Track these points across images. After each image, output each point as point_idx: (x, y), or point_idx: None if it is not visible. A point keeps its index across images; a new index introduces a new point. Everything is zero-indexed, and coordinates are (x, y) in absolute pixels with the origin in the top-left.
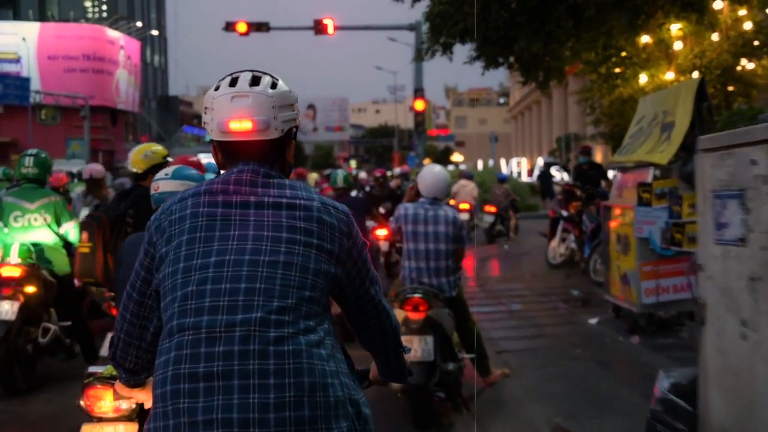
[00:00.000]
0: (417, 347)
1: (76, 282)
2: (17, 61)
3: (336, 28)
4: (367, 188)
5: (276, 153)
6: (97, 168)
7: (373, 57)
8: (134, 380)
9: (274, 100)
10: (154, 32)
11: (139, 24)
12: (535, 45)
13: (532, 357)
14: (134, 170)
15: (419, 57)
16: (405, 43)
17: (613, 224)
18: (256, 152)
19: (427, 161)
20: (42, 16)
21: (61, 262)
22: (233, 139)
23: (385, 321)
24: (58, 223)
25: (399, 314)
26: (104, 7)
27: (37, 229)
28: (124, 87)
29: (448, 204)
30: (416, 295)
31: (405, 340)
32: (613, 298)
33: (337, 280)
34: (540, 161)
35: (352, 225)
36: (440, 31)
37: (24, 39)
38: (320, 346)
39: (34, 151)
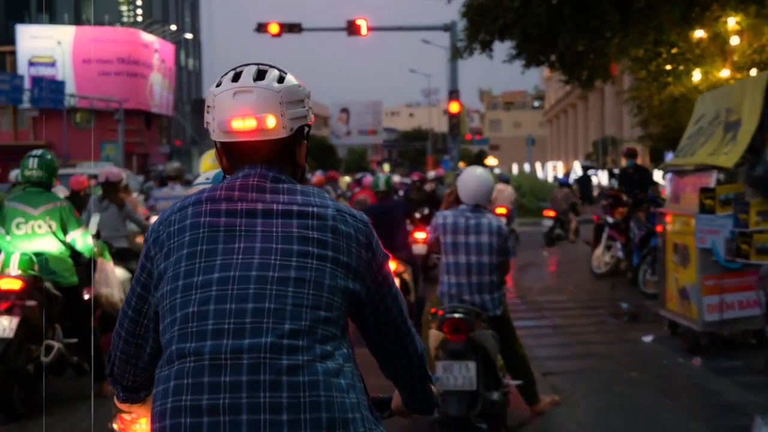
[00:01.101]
0: (457, 374)
1: (85, 294)
2: (53, 64)
3: (369, 28)
4: (401, 192)
5: (285, 154)
6: (113, 171)
7: (407, 60)
8: (132, 398)
9: (281, 95)
10: (189, 35)
11: (173, 27)
12: (580, 41)
13: (582, 380)
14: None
15: (456, 56)
16: (439, 46)
17: (669, 233)
18: (263, 154)
19: (461, 165)
20: (77, 20)
21: (68, 273)
22: (237, 139)
23: (409, 346)
24: (65, 231)
25: (437, 336)
26: (139, 11)
27: (41, 236)
28: (158, 90)
29: (491, 211)
30: (456, 315)
31: (443, 365)
32: (669, 314)
33: (355, 297)
34: (576, 165)
35: (372, 235)
36: (478, 28)
37: (59, 43)
38: (339, 374)
39: (38, 151)
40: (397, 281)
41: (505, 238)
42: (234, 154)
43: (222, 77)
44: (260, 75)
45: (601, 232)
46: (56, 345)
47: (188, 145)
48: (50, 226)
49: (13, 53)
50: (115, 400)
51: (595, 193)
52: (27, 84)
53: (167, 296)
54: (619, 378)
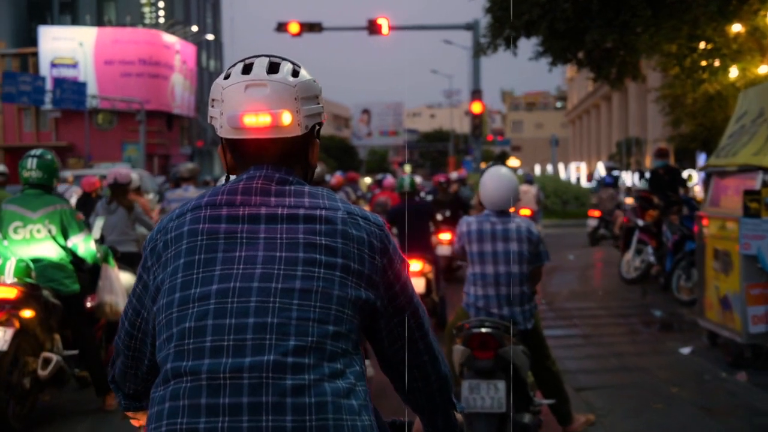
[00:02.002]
0: (485, 394)
1: (88, 303)
2: (74, 66)
3: (390, 27)
4: (423, 194)
5: (297, 154)
6: (122, 172)
7: (429, 61)
8: (135, 406)
9: (296, 90)
10: (210, 36)
11: (194, 28)
12: (609, 37)
13: (618, 397)
14: None
15: (479, 52)
16: (461, 46)
17: (709, 237)
18: (274, 153)
19: (483, 166)
20: (99, 22)
21: (68, 280)
22: (247, 136)
23: (427, 366)
24: (66, 235)
25: (462, 352)
26: (161, 12)
27: (40, 241)
28: (179, 91)
29: (518, 214)
30: (484, 330)
31: (469, 385)
32: (708, 324)
33: (369, 307)
34: (600, 166)
35: (388, 239)
36: (503, 23)
37: (81, 44)
38: (350, 395)
39: (38, 151)
40: (422, 281)
41: (537, 243)
42: (242, 152)
43: (230, 69)
44: (273, 68)
45: (631, 235)
46: (54, 358)
47: (209, 146)
48: (50, 231)
49: (36, 55)
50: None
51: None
52: (49, 85)
53: (163, 310)
54: (658, 394)
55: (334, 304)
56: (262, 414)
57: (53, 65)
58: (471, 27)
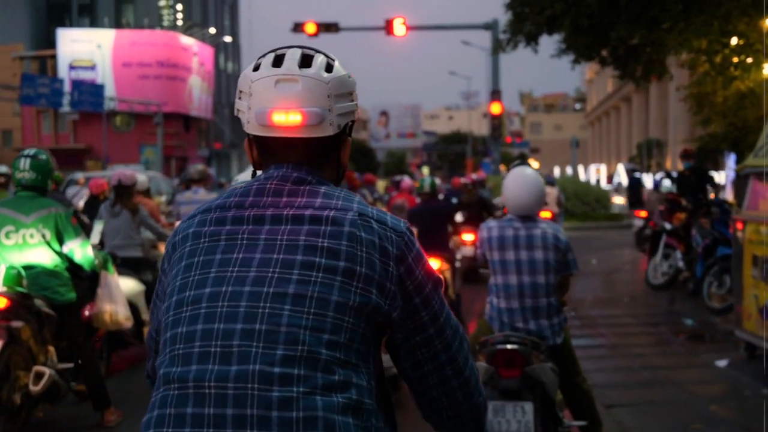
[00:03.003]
0: (510, 417)
1: (86, 312)
2: (93, 68)
3: (408, 28)
4: (442, 196)
5: (326, 153)
6: (127, 173)
7: (447, 62)
8: None
9: (330, 86)
10: (228, 39)
11: (212, 30)
12: (637, 33)
13: (653, 415)
14: None
15: (498, 49)
16: (479, 47)
17: (747, 243)
18: (302, 152)
19: (502, 168)
20: (117, 24)
21: (63, 289)
22: (275, 134)
23: (457, 395)
24: (61, 240)
25: (486, 370)
26: (179, 15)
27: (33, 247)
28: (197, 93)
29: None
30: (510, 346)
31: (494, 406)
32: (746, 335)
33: (380, 316)
34: (620, 168)
35: (408, 247)
36: (524, 19)
37: (99, 46)
38: (348, 412)
39: (32, 150)
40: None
41: (565, 251)
42: (269, 149)
43: (260, 59)
44: (306, 61)
45: (658, 239)
46: (47, 372)
47: (227, 149)
48: (44, 236)
49: (54, 57)
50: None
51: (645, 196)
52: (67, 87)
53: (164, 313)
54: (696, 413)
55: (331, 310)
56: (247, 428)
57: (71, 67)
58: (490, 26)
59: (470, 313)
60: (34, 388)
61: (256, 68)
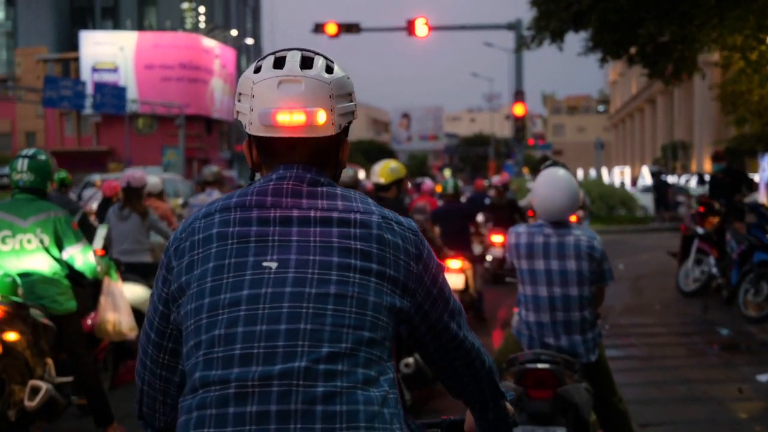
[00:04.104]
0: None
1: (88, 322)
2: (115, 70)
3: (430, 28)
4: (464, 198)
5: (329, 154)
6: (136, 175)
7: (469, 64)
8: None
9: (331, 87)
10: (250, 41)
11: (234, 32)
12: (667, 29)
13: None
14: (380, 181)
15: (522, 46)
16: (502, 48)
17: None
18: (305, 152)
19: (525, 170)
20: (140, 26)
21: (62, 298)
22: (279, 135)
23: (475, 362)
24: (60, 246)
25: (514, 391)
26: (201, 17)
27: (30, 253)
28: (219, 96)
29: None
30: (540, 365)
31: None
32: None
33: (404, 315)
34: (645, 170)
35: (422, 245)
36: (550, 15)
37: (122, 49)
38: (384, 403)
39: (30, 151)
40: (462, 277)
41: (600, 260)
42: (272, 150)
43: (260, 61)
44: (306, 63)
45: (690, 244)
46: (44, 386)
47: None
48: (42, 241)
49: (77, 59)
50: None
51: (670, 198)
52: (89, 90)
53: (191, 315)
54: None
55: (370, 310)
56: (291, 422)
57: (94, 70)
58: (513, 26)
59: (493, 320)
60: (30, 404)
61: (257, 70)
